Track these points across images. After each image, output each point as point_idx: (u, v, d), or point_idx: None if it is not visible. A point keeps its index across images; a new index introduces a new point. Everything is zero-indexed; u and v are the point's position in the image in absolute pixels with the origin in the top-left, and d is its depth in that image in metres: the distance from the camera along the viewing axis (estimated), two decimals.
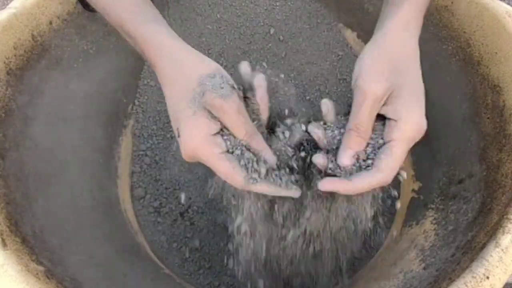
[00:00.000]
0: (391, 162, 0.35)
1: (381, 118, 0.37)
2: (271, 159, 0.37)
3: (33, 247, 0.40)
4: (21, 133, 0.48)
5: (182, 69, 0.36)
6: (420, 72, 0.38)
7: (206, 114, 0.35)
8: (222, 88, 0.35)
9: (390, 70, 0.36)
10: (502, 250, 0.37)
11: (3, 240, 0.37)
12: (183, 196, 0.62)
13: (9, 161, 0.45)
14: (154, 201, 0.63)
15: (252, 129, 0.36)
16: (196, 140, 0.35)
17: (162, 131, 0.67)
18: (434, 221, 0.52)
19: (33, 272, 0.37)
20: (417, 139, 0.36)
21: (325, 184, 0.36)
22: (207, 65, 0.37)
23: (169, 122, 0.67)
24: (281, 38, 0.68)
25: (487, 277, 0.36)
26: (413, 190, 0.61)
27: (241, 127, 0.35)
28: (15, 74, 0.49)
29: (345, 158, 0.36)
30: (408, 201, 0.61)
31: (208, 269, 0.59)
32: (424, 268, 0.45)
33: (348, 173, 0.36)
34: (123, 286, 0.48)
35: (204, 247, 0.60)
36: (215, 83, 0.35)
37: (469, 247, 0.42)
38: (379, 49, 0.37)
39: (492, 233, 0.39)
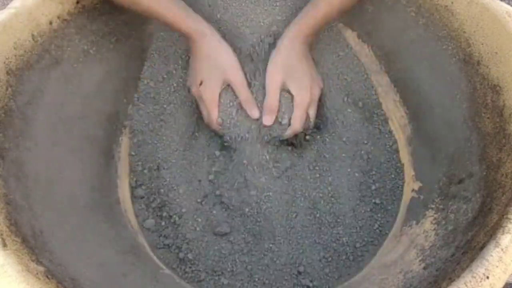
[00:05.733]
0: (297, 117, 0.60)
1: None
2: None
3: (33, 247, 0.40)
4: (21, 133, 0.48)
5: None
6: (307, 66, 0.61)
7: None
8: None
9: (284, 70, 0.59)
10: (502, 250, 0.37)
11: (3, 240, 0.37)
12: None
13: (9, 161, 0.45)
14: (154, 201, 0.63)
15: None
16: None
17: None
18: (434, 221, 0.52)
19: (33, 272, 0.37)
20: (309, 100, 0.60)
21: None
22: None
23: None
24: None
25: (487, 277, 0.36)
26: (413, 190, 0.61)
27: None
28: (15, 74, 0.49)
29: (266, 122, 0.60)
30: (408, 201, 0.61)
31: (208, 269, 0.59)
32: (424, 268, 0.45)
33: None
34: (123, 286, 0.48)
35: (204, 247, 0.60)
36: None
37: (469, 247, 0.42)
38: (277, 56, 0.60)
39: (492, 233, 0.39)
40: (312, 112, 0.62)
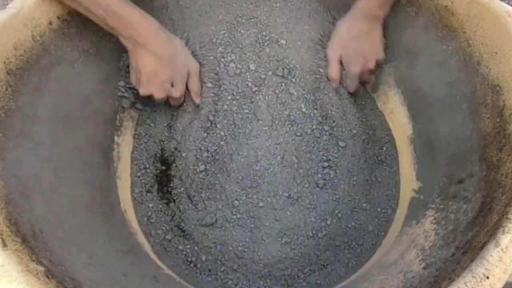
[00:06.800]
0: (348, 84, 0.68)
1: None
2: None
3: (33, 247, 0.40)
4: (21, 133, 0.48)
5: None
6: (363, 44, 0.65)
7: None
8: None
9: (340, 47, 0.67)
10: (502, 249, 0.37)
11: (3, 240, 0.38)
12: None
13: (9, 161, 0.45)
14: (154, 201, 0.63)
15: None
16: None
17: None
18: (434, 221, 0.52)
19: (33, 272, 0.37)
20: (359, 73, 0.67)
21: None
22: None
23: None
24: (282, 39, 0.68)
25: (487, 277, 0.36)
26: (413, 190, 0.61)
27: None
28: (15, 74, 0.49)
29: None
30: (408, 201, 0.61)
31: (208, 269, 0.59)
32: (424, 268, 0.45)
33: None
34: (123, 286, 0.48)
35: (204, 247, 0.60)
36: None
37: (469, 246, 0.42)
38: (337, 35, 0.67)
39: (492, 233, 0.39)
40: (367, 77, 0.68)
